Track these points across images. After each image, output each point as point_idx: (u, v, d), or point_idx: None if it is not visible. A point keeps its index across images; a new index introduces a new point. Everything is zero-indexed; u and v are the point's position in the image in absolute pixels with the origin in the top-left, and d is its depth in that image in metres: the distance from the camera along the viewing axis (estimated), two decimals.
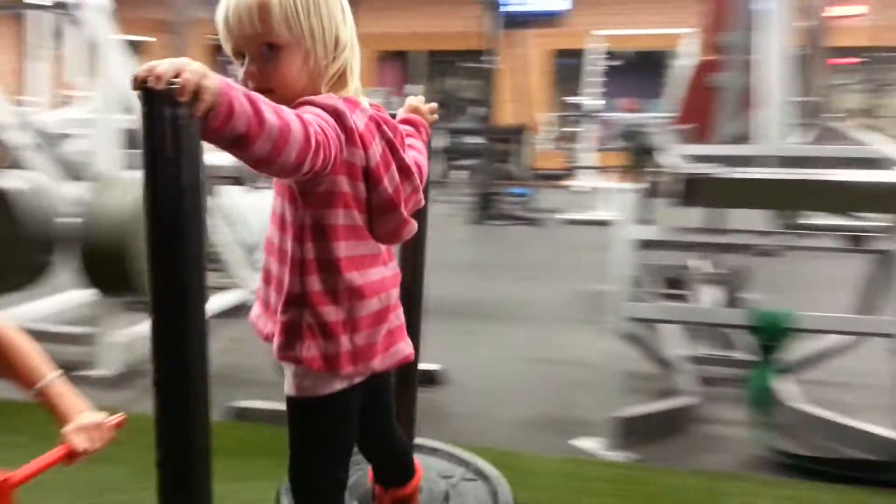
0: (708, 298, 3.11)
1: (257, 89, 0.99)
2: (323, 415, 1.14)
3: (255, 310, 1.20)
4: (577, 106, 8.97)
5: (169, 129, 0.76)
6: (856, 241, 2.29)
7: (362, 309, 1.10)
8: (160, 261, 0.80)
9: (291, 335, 1.08)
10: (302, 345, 1.07)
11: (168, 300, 0.81)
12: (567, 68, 11.01)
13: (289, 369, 1.12)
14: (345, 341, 1.09)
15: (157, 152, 0.77)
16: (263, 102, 0.85)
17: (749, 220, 2.63)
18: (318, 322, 1.07)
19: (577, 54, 9.58)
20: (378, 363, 1.14)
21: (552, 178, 8.91)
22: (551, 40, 10.83)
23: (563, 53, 11.53)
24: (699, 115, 3.04)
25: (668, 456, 2.26)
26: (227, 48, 1.06)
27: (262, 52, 1.03)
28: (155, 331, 0.80)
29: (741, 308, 2.82)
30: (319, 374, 1.09)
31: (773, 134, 2.31)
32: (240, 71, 1.06)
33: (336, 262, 1.07)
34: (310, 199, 1.05)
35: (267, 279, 1.15)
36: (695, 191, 2.06)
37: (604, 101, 9.07)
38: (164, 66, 0.76)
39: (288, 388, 1.13)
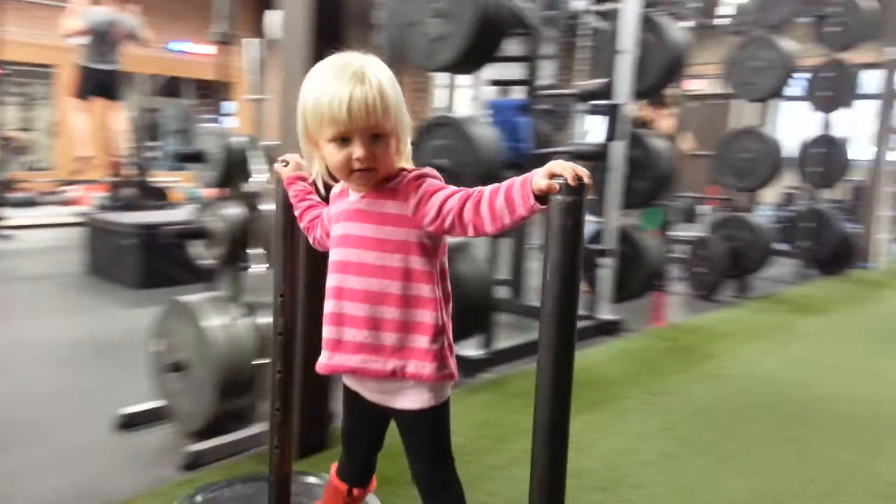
0: None
1: (365, 169, 1.28)
2: (448, 414, 1.43)
3: (356, 358, 1.36)
4: None
5: (581, 213, 1.12)
6: None
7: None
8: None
9: (442, 358, 1.34)
10: (448, 363, 1.36)
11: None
12: None
13: (423, 387, 1.36)
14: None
15: (573, 230, 1.12)
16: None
17: None
18: (449, 344, 1.37)
19: None
20: None
21: None
22: None
23: None
24: None
25: None
26: (330, 132, 1.26)
27: (371, 139, 1.26)
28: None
29: None
30: (450, 382, 1.39)
31: None
32: (337, 152, 1.27)
33: (450, 295, 1.39)
34: (439, 250, 1.35)
35: (377, 325, 1.33)
36: None
37: None
38: (580, 169, 1.08)
39: (426, 402, 1.37)
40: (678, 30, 4.10)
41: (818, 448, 2.70)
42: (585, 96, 3.77)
